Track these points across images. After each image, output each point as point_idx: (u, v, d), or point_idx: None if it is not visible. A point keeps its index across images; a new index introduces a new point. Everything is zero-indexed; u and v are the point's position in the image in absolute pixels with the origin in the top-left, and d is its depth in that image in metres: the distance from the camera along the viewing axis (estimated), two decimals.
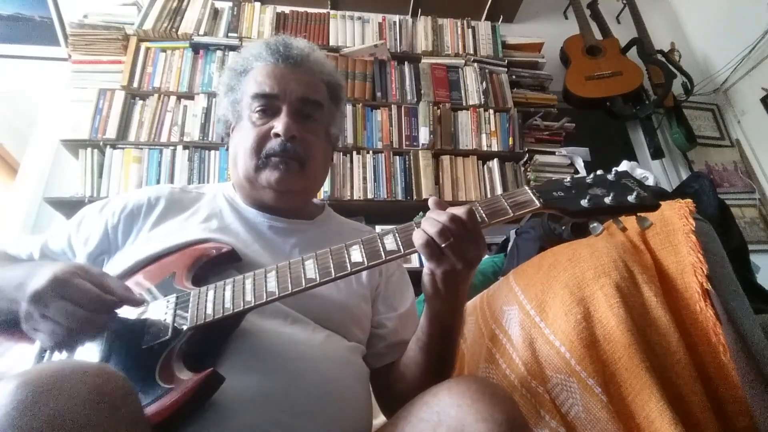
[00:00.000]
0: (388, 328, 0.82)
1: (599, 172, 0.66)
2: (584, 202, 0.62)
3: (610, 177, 0.65)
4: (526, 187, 0.65)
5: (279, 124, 0.79)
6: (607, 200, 0.62)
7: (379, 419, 0.79)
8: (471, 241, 0.59)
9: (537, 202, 0.63)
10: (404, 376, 0.75)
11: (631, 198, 0.61)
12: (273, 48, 0.85)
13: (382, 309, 0.84)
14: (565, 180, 0.66)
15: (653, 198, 0.62)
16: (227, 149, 2.05)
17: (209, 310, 0.63)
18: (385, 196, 2.12)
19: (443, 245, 0.57)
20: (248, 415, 0.58)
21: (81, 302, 0.58)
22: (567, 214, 0.63)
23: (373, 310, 0.83)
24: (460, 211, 0.59)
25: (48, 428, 0.40)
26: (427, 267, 0.62)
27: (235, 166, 0.84)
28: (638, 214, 0.62)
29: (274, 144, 0.79)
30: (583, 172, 1.54)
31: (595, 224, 0.62)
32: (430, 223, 0.59)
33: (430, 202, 0.63)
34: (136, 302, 0.65)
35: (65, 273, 0.60)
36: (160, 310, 0.65)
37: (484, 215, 0.62)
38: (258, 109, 0.82)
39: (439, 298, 0.64)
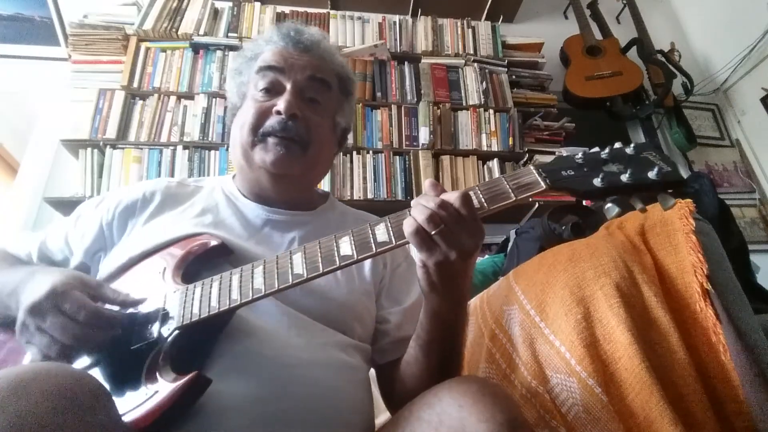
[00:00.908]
0: (392, 323, 0.79)
1: (617, 144, 0.57)
2: (597, 181, 0.54)
3: (628, 150, 0.56)
4: (531, 167, 0.57)
5: (281, 102, 0.76)
6: (624, 177, 0.53)
7: (381, 418, 0.79)
8: (465, 229, 0.53)
9: (543, 183, 0.55)
10: (407, 375, 0.73)
11: (651, 174, 0.53)
12: (284, 32, 0.83)
13: (386, 303, 0.81)
14: (577, 156, 0.57)
15: (678, 173, 0.54)
16: (227, 149, 2.11)
17: (195, 309, 0.60)
18: (385, 196, 2.12)
19: (433, 233, 0.52)
20: (238, 421, 0.56)
21: (78, 317, 0.57)
22: (578, 195, 0.56)
23: (377, 305, 0.80)
24: (452, 196, 0.54)
25: (12, 431, 0.39)
26: (419, 259, 0.56)
27: (234, 146, 0.82)
28: (660, 192, 0.54)
29: (273, 121, 0.76)
30: None
31: (610, 205, 0.54)
32: (418, 210, 0.54)
33: (426, 184, 0.57)
34: (137, 303, 0.64)
35: (64, 285, 0.59)
36: (148, 309, 0.64)
37: (483, 200, 0.56)
38: (262, 87, 0.80)
39: (436, 294, 0.59)
